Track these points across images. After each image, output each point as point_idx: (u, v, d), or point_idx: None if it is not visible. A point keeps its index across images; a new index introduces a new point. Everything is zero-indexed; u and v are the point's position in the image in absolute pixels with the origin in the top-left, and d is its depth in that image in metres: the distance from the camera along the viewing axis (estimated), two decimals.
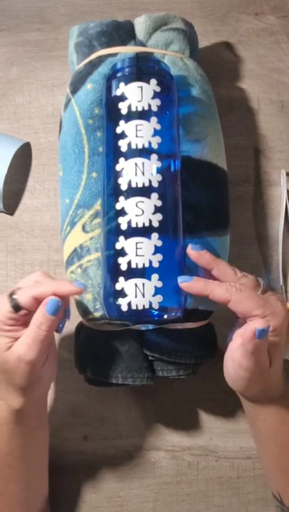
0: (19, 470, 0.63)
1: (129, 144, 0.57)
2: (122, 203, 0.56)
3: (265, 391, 0.62)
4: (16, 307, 0.56)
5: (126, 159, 0.57)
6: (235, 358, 0.58)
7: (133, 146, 0.57)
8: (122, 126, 0.58)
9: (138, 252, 0.54)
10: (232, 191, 0.76)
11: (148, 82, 0.58)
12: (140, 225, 0.55)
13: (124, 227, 0.56)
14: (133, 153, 0.57)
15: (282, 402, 0.63)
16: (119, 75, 0.60)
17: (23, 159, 0.79)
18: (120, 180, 0.57)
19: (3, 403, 0.60)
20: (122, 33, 0.69)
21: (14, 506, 0.64)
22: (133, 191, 0.56)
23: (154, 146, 0.57)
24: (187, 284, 0.56)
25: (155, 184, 0.56)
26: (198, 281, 0.56)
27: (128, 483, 0.74)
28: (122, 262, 0.55)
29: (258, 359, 0.56)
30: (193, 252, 0.58)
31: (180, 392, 0.71)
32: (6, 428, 0.61)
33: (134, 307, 0.54)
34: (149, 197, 0.56)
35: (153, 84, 0.58)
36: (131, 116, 0.58)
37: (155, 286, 0.54)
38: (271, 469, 0.67)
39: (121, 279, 0.55)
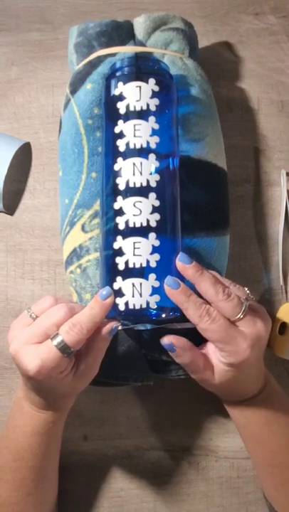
0: (44, 472, 0.64)
1: (127, 144, 0.57)
2: (120, 202, 0.56)
3: (224, 395, 0.64)
4: (68, 351, 0.54)
5: (124, 159, 0.57)
6: None
7: (131, 146, 0.57)
8: (120, 126, 0.58)
9: (136, 251, 0.54)
10: (232, 191, 0.76)
11: (146, 82, 0.58)
12: (138, 225, 0.55)
13: (122, 226, 0.55)
14: (131, 152, 0.57)
15: (249, 402, 0.63)
16: (118, 74, 0.61)
17: (23, 159, 0.79)
18: (118, 180, 0.57)
19: (42, 415, 0.62)
20: (121, 33, 0.69)
21: (39, 506, 0.65)
22: (131, 191, 0.56)
23: (152, 145, 0.57)
24: (171, 290, 0.55)
25: (153, 184, 0.56)
26: (181, 294, 0.55)
27: (128, 483, 0.74)
28: (120, 262, 0.55)
29: (187, 367, 0.59)
30: (179, 263, 0.56)
31: (180, 392, 0.71)
32: (40, 439, 0.62)
33: (131, 307, 0.54)
34: (146, 197, 0.55)
35: (151, 84, 0.58)
36: (129, 115, 0.58)
37: (152, 286, 0.54)
38: (253, 463, 0.67)
39: (118, 278, 0.55)
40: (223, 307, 0.55)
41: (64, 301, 0.57)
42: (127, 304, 0.54)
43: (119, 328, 0.58)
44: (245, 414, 0.63)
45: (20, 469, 0.62)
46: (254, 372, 0.60)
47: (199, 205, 0.66)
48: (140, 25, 0.69)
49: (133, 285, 0.54)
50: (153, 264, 0.54)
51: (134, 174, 0.56)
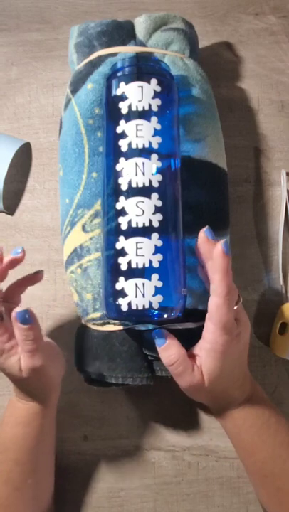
0: (32, 467, 0.64)
1: (129, 144, 0.57)
2: (122, 202, 0.56)
3: (213, 403, 0.64)
4: None
5: (126, 159, 0.57)
6: None
7: (133, 146, 0.57)
8: (122, 126, 0.58)
9: (138, 252, 0.54)
10: (232, 191, 0.76)
11: (148, 82, 0.58)
12: (140, 225, 0.55)
13: (124, 227, 0.55)
14: (133, 153, 0.57)
15: (238, 411, 0.63)
16: (119, 74, 0.60)
17: (23, 159, 0.79)
18: (120, 180, 0.57)
19: (24, 406, 0.63)
20: (122, 32, 0.69)
21: (29, 502, 0.65)
22: (133, 191, 0.56)
23: (155, 146, 0.57)
24: (222, 254, 0.54)
25: (155, 184, 0.56)
26: (228, 263, 0.54)
27: (128, 483, 0.74)
28: (123, 262, 0.55)
29: (175, 367, 0.58)
30: (203, 235, 0.55)
31: (180, 392, 0.71)
32: (23, 430, 0.63)
33: (134, 307, 0.54)
34: (149, 197, 0.55)
35: (153, 84, 0.58)
36: (131, 115, 0.57)
37: (155, 286, 0.54)
38: (246, 472, 0.67)
39: (121, 278, 0.55)
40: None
41: None
42: (130, 304, 0.54)
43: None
44: (237, 424, 0.63)
45: (6, 462, 0.63)
46: (237, 370, 0.61)
47: (200, 205, 0.66)
48: (141, 25, 0.69)
49: (136, 285, 0.54)
50: (156, 265, 0.54)
51: (136, 174, 0.56)
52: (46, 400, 0.64)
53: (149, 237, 0.55)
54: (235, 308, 0.57)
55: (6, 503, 0.63)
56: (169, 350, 0.58)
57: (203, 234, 0.56)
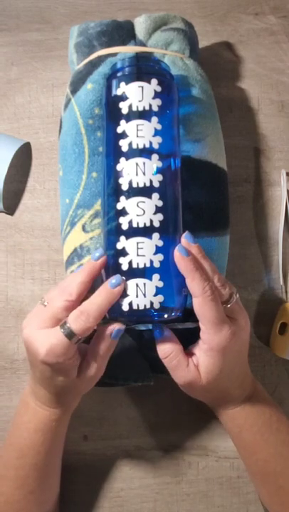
0: (48, 471, 0.65)
1: (130, 144, 0.57)
2: (122, 202, 0.56)
3: (213, 401, 0.65)
4: (75, 338, 0.55)
5: (127, 159, 0.57)
6: None
7: (134, 146, 0.57)
8: (122, 126, 0.58)
9: (139, 252, 0.54)
10: (232, 191, 0.76)
11: (149, 82, 0.58)
12: (141, 225, 0.55)
13: (125, 227, 0.55)
14: (134, 153, 0.57)
15: (240, 410, 0.63)
16: (119, 74, 0.60)
17: (23, 159, 0.79)
18: (121, 180, 0.57)
19: (46, 412, 0.62)
20: (122, 32, 0.69)
21: (41, 504, 0.65)
22: (134, 191, 0.56)
23: (155, 146, 0.57)
24: (181, 257, 0.55)
25: (156, 184, 0.56)
26: (191, 261, 0.55)
27: (128, 483, 0.74)
28: (123, 262, 0.55)
29: (169, 360, 0.59)
30: (184, 240, 0.56)
31: (180, 392, 0.71)
32: (43, 436, 0.62)
33: (135, 307, 0.54)
34: (150, 197, 0.55)
35: (154, 84, 0.58)
36: (132, 115, 0.57)
37: (156, 286, 0.54)
38: (247, 471, 0.68)
39: None
40: (219, 293, 0.57)
41: (69, 286, 0.57)
42: (130, 304, 0.54)
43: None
44: (238, 423, 0.64)
45: (23, 467, 0.62)
46: (237, 370, 0.61)
47: (200, 205, 0.66)
48: (141, 25, 0.69)
49: (137, 285, 0.54)
50: (156, 265, 0.54)
51: (137, 174, 0.56)
52: (71, 404, 0.64)
53: (150, 237, 0.55)
54: (228, 306, 0.57)
55: (17, 506, 0.63)
56: (164, 344, 0.59)
57: (185, 240, 0.56)
